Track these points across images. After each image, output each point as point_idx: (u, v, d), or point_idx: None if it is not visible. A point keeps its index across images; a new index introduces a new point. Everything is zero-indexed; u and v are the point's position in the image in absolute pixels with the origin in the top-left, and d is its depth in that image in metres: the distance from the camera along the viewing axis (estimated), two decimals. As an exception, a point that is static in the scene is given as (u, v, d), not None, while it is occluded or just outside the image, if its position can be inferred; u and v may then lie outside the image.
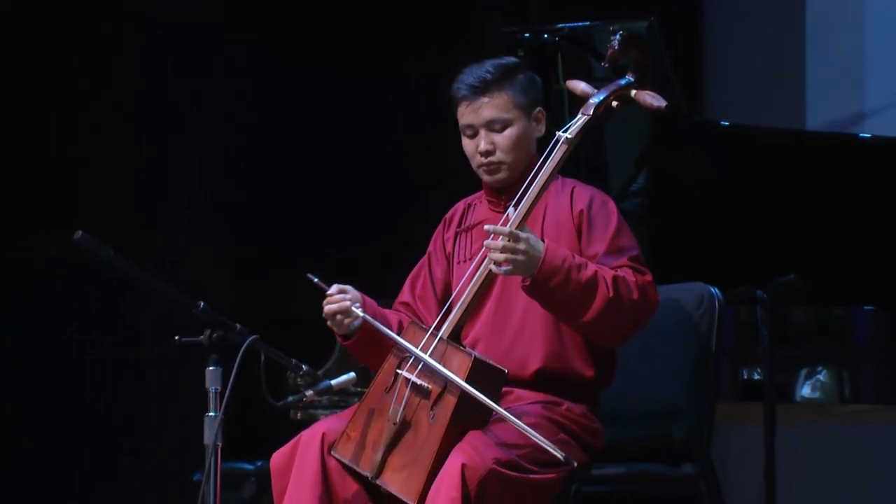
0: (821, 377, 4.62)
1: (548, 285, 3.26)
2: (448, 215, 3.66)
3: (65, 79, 5.71)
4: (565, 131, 3.35)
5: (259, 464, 4.52)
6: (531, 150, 3.51)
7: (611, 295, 3.29)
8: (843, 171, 4.97)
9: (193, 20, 5.86)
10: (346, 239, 5.76)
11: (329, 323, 3.43)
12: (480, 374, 3.23)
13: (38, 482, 5.69)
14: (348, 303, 3.38)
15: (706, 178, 4.97)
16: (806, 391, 4.62)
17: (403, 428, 3.25)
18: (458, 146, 3.56)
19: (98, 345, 5.76)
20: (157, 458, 5.68)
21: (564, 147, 3.34)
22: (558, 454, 3.12)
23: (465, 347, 3.33)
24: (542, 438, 3.14)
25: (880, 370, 4.67)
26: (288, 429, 4.01)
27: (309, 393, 3.29)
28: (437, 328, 3.32)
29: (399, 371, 3.30)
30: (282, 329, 4.09)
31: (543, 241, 3.30)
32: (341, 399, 4.38)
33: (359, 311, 3.37)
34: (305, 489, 3.29)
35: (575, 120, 3.38)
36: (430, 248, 3.65)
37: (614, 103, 3.41)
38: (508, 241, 3.24)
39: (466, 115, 3.50)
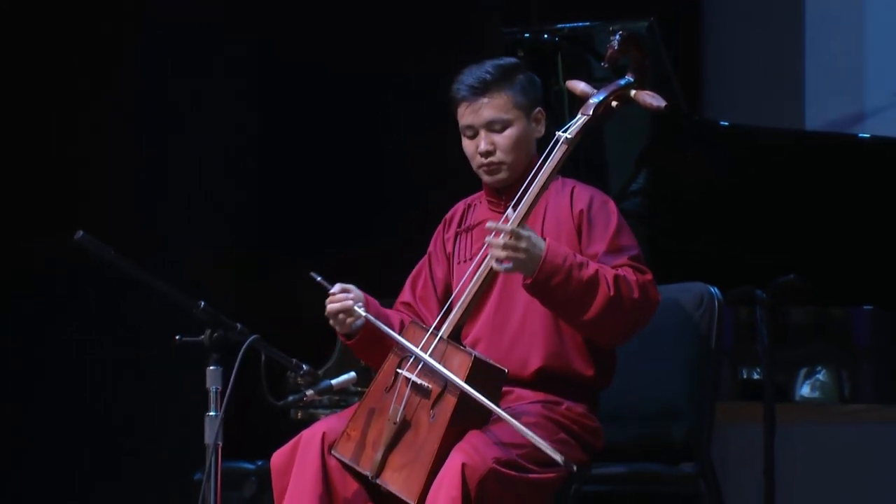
0: (820, 377, 4.63)
1: (549, 284, 3.27)
2: (448, 215, 3.67)
3: (65, 79, 5.71)
4: (565, 131, 3.36)
5: (259, 463, 4.53)
6: (531, 151, 3.52)
7: (612, 294, 3.29)
8: (843, 172, 4.97)
9: (193, 20, 5.86)
10: (346, 239, 5.76)
11: (331, 322, 3.43)
12: (481, 373, 3.23)
13: (38, 482, 5.69)
14: (351, 302, 3.39)
15: (706, 178, 4.97)
16: (805, 391, 4.63)
17: (404, 427, 3.25)
18: (458, 146, 3.56)
19: (98, 345, 5.75)
20: (158, 457, 5.68)
21: (564, 147, 3.35)
22: (557, 458, 3.12)
23: (465, 347, 3.34)
24: (542, 442, 3.13)
25: (879, 370, 4.68)
26: (288, 428, 4.02)
27: (309, 392, 3.30)
28: (438, 328, 3.32)
29: (399, 370, 3.31)
30: (282, 329, 4.09)
31: (545, 239, 3.30)
32: (342, 399, 4.38)
33: (361, 311, 3.38)
34: (306, 488, 3.29)
35: (575, 120, 3.38)
36: (431, 248, 3.66)
37: (614, 103, 3.41)
38: (510, 238, 3.24)
39: (466, 115, 3.50)
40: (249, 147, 6.04)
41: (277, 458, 3.39)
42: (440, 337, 3.30)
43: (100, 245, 3.20)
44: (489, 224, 3.30)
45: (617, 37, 3.40)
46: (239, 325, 3.25)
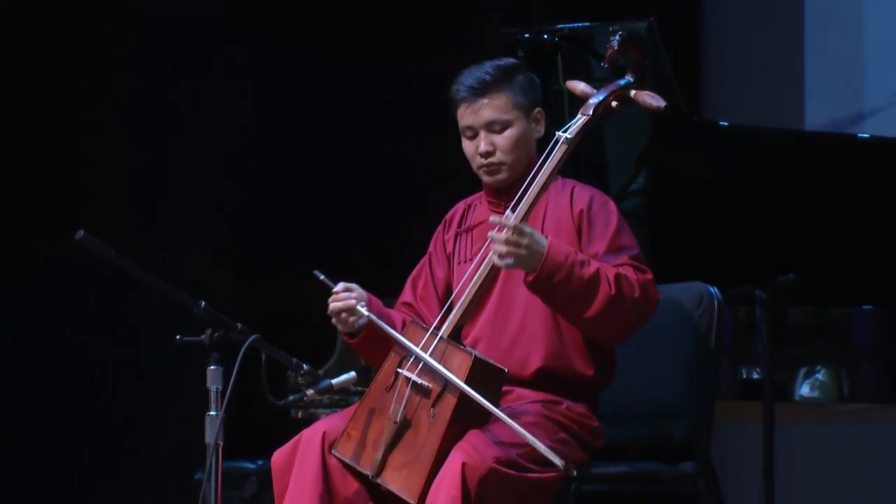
0: (819, 376, 4.63)
1: (551, 281, 3.27)
2: (448, 216, 3.67)
3: (65, 79, 5.71)
4: (565, 131, 3.36)
5: (260, 463, 4.53)
6: (531, 151, 3.52)
7: (613, 292, 3.30)
8: (842, 172, 4.98)
9: (193, 20, 5.86)
10: (346, 239, 5.76)
11: (334, 320, 3.44)
12: (481, 373, 3.24)
13: (38, 482, 5.69)
14: (354, 301, 3.39)
15: (706, 178, 4.98)
16: (805, 390, 4.63)
17: (404, 427, 3.26)
18: (458, 146, 3.56)
19: (98, 345, 5.75)
20: (158, 457, 5.67)
21: (564, 147, 3.35)
22: (557, 462, 3.12)
23: (465, 347, 3.34)
24: (542, 446, 3.13)
25: (879, 369, 4.68)
26: (289, 428, 4.02)
27: (310, 392, 3.30)
28: (438, 328, 3.33)
29: (400, 370, 3.31)
30: (282, 329, 4.09)
31: (547, 237, 3.31)
32: (342, 398, 4.39)
33: (364, 310, 3.38)
34: (306, 488, 3.30)
35: (574, 120, 3.39)
36: (431, 248, 3.66)
37: (614, 103, 3.42)
38: (512, 234, 3.25)
39: (466, 116, 3.51)
40: (249, 147, 6.04)
41: (278, 457, 3.39)
42: (440, 336, 3.30)
43: (101, 245, 3.20)
44: (492, 218, 3.31)
45: (617, 37, 3.41)
46: (239, 325, 3.25)
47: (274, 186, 6.03)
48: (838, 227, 4.94)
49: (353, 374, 3.36)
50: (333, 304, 3.41)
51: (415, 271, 3.66)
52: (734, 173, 4.97)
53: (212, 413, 3.22)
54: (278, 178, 6.03)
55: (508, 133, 3.49)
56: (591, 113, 3.38)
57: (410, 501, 3.20)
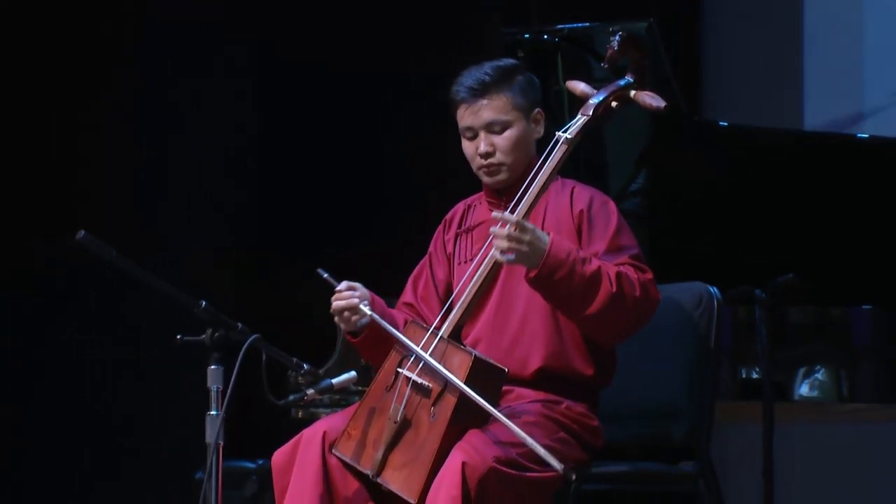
0: (819, 376, 4.64)
1: (552, 278, 3.28)
2: (448, 216, 3.68)
3: (65, 79, 5.71)
4: (565, 131, 3.37)
5: (260, 462, 4.53)
6: (531, 151, 3.53)
7: (614, 290, 3.30)
8: (842, 172, 4.98)
9: (193, 20, 5.86)
10: (346, 239, 5.76)
11: (336, 319, 3.44)
12: (481, 372, 3.24)
13: (38, 482, 5.69)
14: (357, 300, 3.39)
15: (705, 178, 4.98)
16: (804, 390, 4.63)
17: (404, 426, 3.26)
18: (458, 147, 3.57)
19: (98, 345, 5.75)
20: (158, 457, 5.68)
21: (564, 147, 3.36)
22: (556, 465, 3.12)
23: (465, 346, 3.35)
24: (542, 450, 3.13)
25: (878, 369, 4.69)
26: (289, 427, 4.02)
27: (310, 392, 3.30)
28: (438, 327, 3.33)
29: (400, 370, 3.32)
30: (282, 328, 4.10)
31: (549, 234, 3.32)
32: (342, 398, 4.39)
33: (366, 310, 3.38)
34: (307, 487, 3.30)
35: (574, 120, 3.39)
36: (431, 248, 3.67)
37: (614, 104, 3.42)
38: (515, 230, 3.26)
39: (466, 117, 3.51)
40: (249, 147, 6.04)
41: (278, 457, 3.39)
42: (440, 336, 3.30)
43: (101, 245, 3.20)
44: (495, 213, 3.31)
45: (616, 37, 3.41)
46: (240, 325, 3.25)
47: (274, 186, 6.03)
48: (838, 228, 4.95)
49: (353, 373, 3.36)
50: (336, 303, 3.41)
51: (415, 271, 3.66)
52: (734, 173, 4.98)
53: (212, 413, 3.22)
54: (278, 178, 6.03)
55: (508, 134, 3.49)
56: (591, 113, 3.39)
57: (411, 501, 3.20)
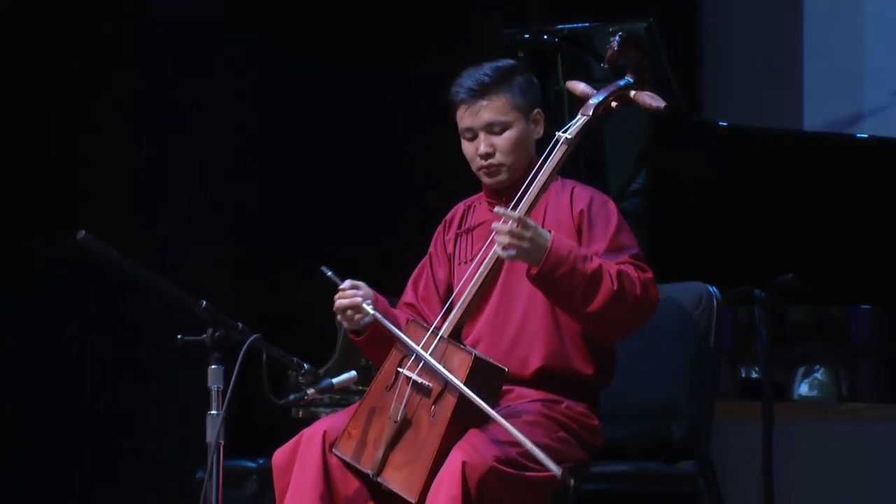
0: (818, 375, 4.64)
1: (554, 275, 3.29)
2: (448, 217, 3.68)
3: (65, 79, 5.71)
4: (565, 132, 3.37)
5: (261, 461, 4.53)
6: (530, 152, 3.53)
7: (615, 288, 3.31)
8: (841, 172, 4.98)
9: (193, 20, 5.86)
10: (346, 239, 5.76)
11: (339, 317, 3.44)
12: (481, 372, 3.25)
13: (38, 482, 5.69)
14: (360, 299, 3.40)
15: (705, 178, 4.99)
16: (804, 389, 4.64)
17: (404, 426, 3.27)
18: (457, 147, 3.57)
19: (98, 345, 5.75)
20: (158, 457, 5.67)
21: (564, 147, 3.36)
22: (555, 470, 3.12)
23: (465, 346, 3.35)
24: (541, 454, 3.13)
25: (877, 369, 4.69)
26: (289, 427, 4.02)
27: (310, 391, 3.31)
28: (438, 327, 3.33)
29: (400, 369, 3.32)
30: (282, 328, 4.10)
31: (550, 232, 3.32)
32: (342, 397, 4.39)
33: (369, 309, 3.38)
34: (307, 487, 3.30)
35: (574, 120, 3.40)
36: (431, 248, 3.67)
37: (614, 104, 3.43)
38: (516, 226, 3.26)
39: (465, 118, 3.52)
40: (249, 147, 6.04)
41: (279, 456, 3.40)
42: (440, 336, 3.31)
43: (102, 245, 3.20)
44: (497, 209, 3.32)
45: (616, 38, 3.42)
46: (240, 325, 3.26)
47: (274, 186, 6.03)
48: (837, 227, 4.95)
49: (353, 373, 3.37)
50: (339, 301, 3.42)
51: (415, 272, 3.67)
52: (733, 173, 4.98)
53: (213, 412, 3.23)
54: (278, 178, 6.03)
55: (508, 134, 3.50)
56: (590, 113, 3.39)
57: (411, 500, 3.20)
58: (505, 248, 3.27)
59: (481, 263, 3.36)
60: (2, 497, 5.63)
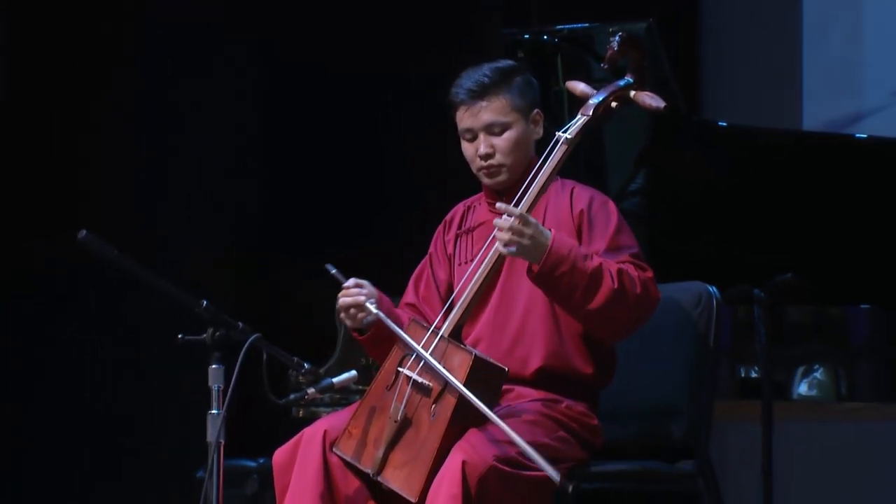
0: (818, 375, 4.64)
1: (554, 273, 3.29)
2: (448, 217, 3.68)
3: (65, 79, 5.71)
4: (565, 132, 3.38)
5: (261, 461, 4.53)
6: (530, 152, 3.54)
7: (615, 286, 3.31)
8: (840, 172, 4.99)
9: (193, 20, 5.86)
10: (346, 239, 5.75)
11: (342, 315, 3.44)
12: (481, 372, 3.25)
13: (38, 482, 5.69)
14: (363, 298, 3.40)
15: (705, 178, 4.99)
16: (803, 389, 4.64)
17: (404, 425, 3.27)
18: (457, 147, 3.57)
19: (98, 345, 5.75)
20: (158, 457, 5.67)
21: (564, 147, 3.36)
22: (553, 474, 3.12)
23: (465, 346, 3.35)
24: (540, 458, 3.12)
25: (877, 368, 4.69)
26: (290, 426, 4.02)
27: (311, 391, 3.31)
28: (438, 327, 3.34)
29: (400, 369, 3.32)
30: (283, 328, 4.11)
31: (551, 231, 3.33)
32: (343, 397, 4.40)
33: (372, 308, 3.38)
34: (307, 486, 3.31)
35: (574, 120, 3.40)
36: (431, 249, 3.68)
37: (613, 104, 3.43)
38: (517, 223, 3.27)
39: (465, 119, 3.52)
40: (250, 147, 6.04)
41: (279, 455, 3.40)
42: (441, 335, 3.31)
43: (103, 245, 3.21)
44: (499, 205, 3.32)
45: (616, 38, 3.42)
46: (241, 324, 3.26)
47: (274, 186, 6.03)
48: (836, 227, 4.96)
49: (353, 372, 3.37)
50: (343, 299, 3.42)
51: (416, 272, 3.67)
52: (733, 173, 4.98)
53: (213, 412, 3.23)
54: (278, 178, 6.03)
55: (507, 135, 3.50)
56: (590, 113, 3.40)
57: (411, 500, 3.21)
58: (506, 244, 3.28)
59: (481, 263, 3.36)
60: (2, 497, 5.63)
